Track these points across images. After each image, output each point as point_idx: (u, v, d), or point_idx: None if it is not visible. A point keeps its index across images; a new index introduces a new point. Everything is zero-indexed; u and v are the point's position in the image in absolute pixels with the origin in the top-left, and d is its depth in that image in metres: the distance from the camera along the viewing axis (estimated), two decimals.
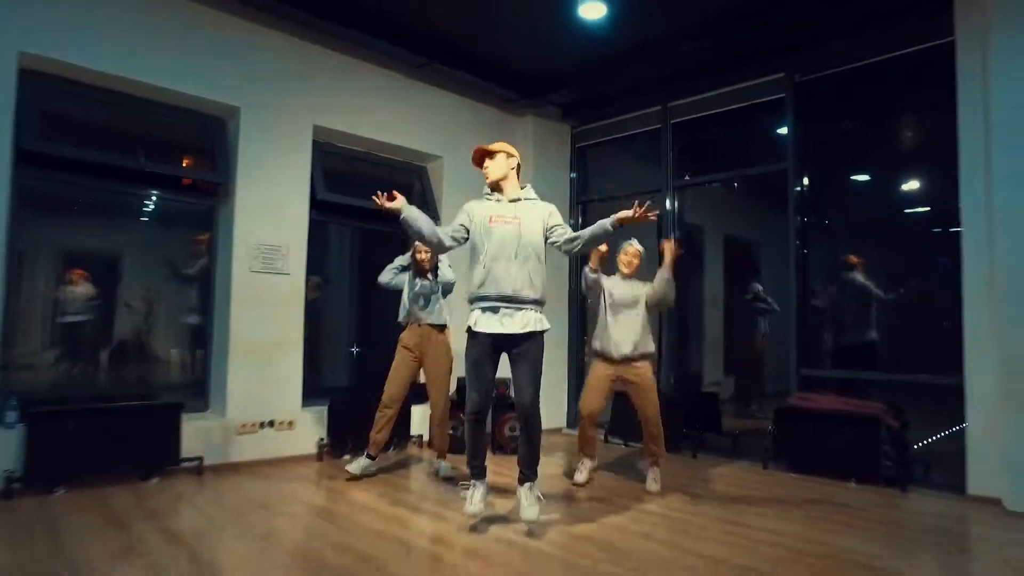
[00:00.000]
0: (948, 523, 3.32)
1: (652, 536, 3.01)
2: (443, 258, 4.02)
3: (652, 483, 3.80)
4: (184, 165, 4.34)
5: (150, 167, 4.05)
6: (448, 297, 4.09)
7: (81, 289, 4.19)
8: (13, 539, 2.76)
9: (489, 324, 2.95)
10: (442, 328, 4.04)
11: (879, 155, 4.85)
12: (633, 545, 2.88)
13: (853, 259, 4.94)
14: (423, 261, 3.98)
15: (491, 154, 3.10)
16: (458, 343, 3.47)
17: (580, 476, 3.92)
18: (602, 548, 2.84)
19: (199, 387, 4.39)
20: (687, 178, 5.55)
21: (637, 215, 2.89)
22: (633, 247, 3.94)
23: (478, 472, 3.07)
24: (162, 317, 4.54)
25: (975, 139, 3.81)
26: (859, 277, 4.89)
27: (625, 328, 3.77)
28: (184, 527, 3.04)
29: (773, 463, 4.47)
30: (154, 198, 4.29)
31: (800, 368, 4.65)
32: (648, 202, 2.94)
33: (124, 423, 3.73)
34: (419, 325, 4.00)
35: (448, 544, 2.88)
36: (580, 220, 6.23)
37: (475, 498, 3.02)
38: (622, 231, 3.07)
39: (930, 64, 4.15)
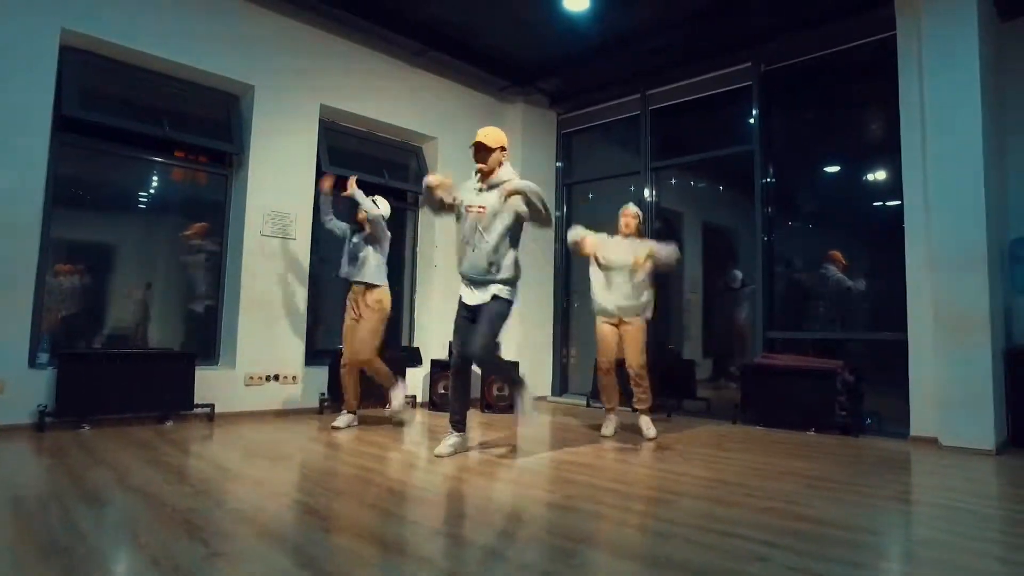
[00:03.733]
0: (891, 455, 3.72)
1: (629, 461, 3.39)
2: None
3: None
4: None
5: (175, 135, 4.43)
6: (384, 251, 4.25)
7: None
8: (56, 455, 3.09)
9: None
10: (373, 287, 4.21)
11: (839, 142, 5.30)
12: (615, 467, 3.26)
13: (836, 255, 5.24)
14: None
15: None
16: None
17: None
18: (584, 466, 3.21)
19: (211, 343, 4.70)
20: (664, 162, 5.98)
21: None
22: (631, 209, 4.22)
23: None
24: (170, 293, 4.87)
25: (913, 122, 4.25)
26: (836, 272, 5.20)
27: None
28: (203, 451, 3.37)
29: (742, 418, 4.87)
30: (173, 166, 4.66)
31: (767, 331, 5.07)
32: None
33: (142, 369, 4.05)
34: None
35: (442, 462, 3.24)
36: (565, 204, 6.64)
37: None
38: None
39: (880, 56, 4.61)
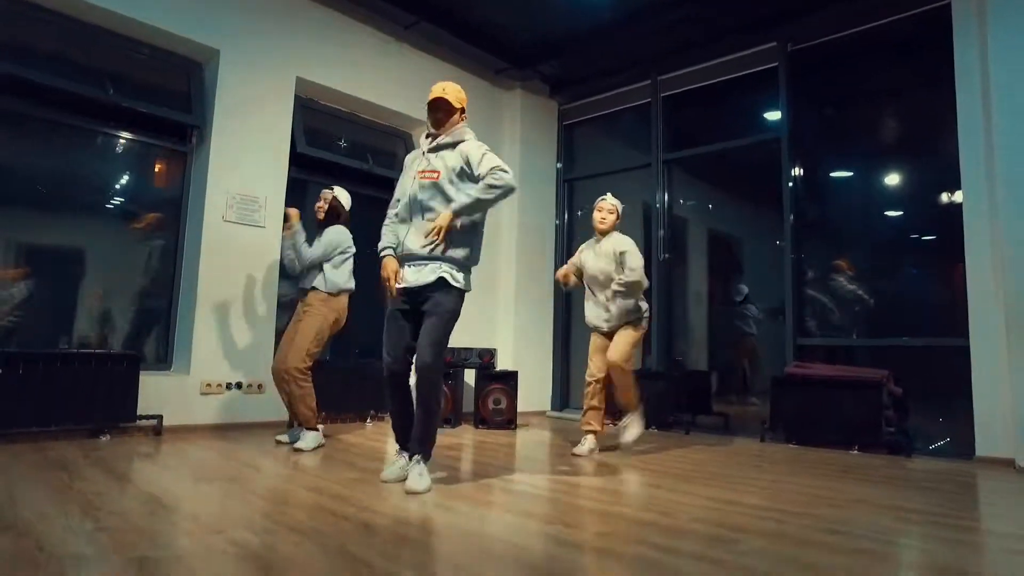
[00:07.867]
0: (962, 478, 3.15)
1: (661, 485, 2.79)
2: None
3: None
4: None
5: (120, 100, 3.79)
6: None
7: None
8: None
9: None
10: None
11: (877, 132, 4.69)
12: (644, 492, 2.66)
13: (843, 264, 4.65)
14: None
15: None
16: None
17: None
18: (609, 493, 2.60)
19: (163, 345, 4.04)
20: (677, 153, 5.44)
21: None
22: (607, 202, 3.66)
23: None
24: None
25: (973, 106, 3.76)
26: (844, 283, 4.61)
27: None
28: (136, 474, 2.72)
29: (770, 435, 4.29)
30: (123, 138, 4.00)
31: (796, 337, 4.51)
32: None
33: (72, 373, 3.38)
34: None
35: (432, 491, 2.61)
36: (566, 200, 6.10)
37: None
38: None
39: (929, 30, 4.11)
